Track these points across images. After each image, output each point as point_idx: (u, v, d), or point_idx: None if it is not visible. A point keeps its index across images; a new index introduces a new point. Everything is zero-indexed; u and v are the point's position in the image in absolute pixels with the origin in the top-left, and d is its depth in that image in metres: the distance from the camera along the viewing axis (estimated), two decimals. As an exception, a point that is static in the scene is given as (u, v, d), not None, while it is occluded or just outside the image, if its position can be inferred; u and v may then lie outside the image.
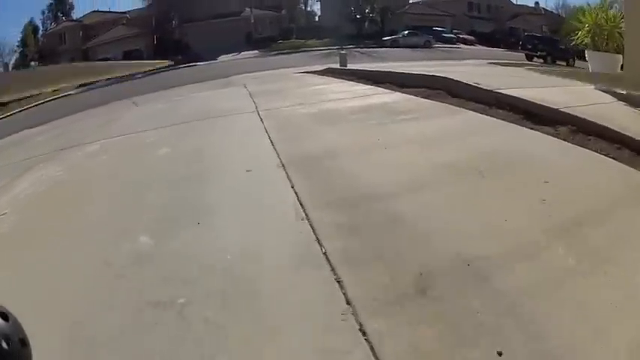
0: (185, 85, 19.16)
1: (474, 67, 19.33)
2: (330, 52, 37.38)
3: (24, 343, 1.22)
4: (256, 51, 43.37)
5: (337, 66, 19.91)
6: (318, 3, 64.94)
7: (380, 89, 10.49)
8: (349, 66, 19.37)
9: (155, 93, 17.59)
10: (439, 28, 51.99)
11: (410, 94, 9.19)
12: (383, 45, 43.27)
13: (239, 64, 32.21)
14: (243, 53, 42.62)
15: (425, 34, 47.11)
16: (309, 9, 64.09)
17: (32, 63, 53.76)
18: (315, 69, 19.14)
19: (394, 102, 8.56)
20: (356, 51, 38.21)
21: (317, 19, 65.59)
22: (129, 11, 52.61)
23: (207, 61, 38.59)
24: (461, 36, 53.25)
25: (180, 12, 49.74)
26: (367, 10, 56.51)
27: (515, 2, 61.11)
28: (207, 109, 9.99)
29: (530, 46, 34.50)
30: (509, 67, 19.42)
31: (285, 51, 41.95)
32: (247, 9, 50.99)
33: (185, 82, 21.38)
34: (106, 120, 11.01)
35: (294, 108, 8.73)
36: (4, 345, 1.14)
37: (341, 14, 54.60)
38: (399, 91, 9.72)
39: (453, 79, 9.28)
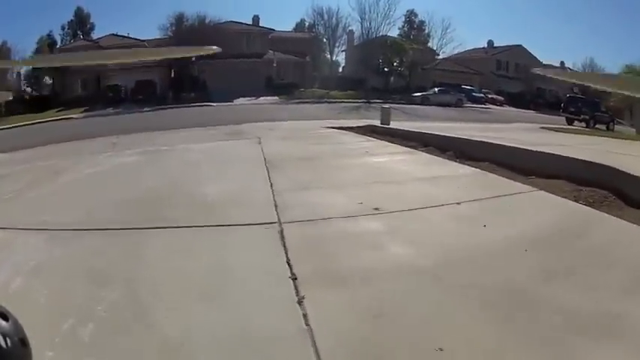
0: (185, 129, 15.85)
1: (535, 134, 16.63)
2: (356, 106, 34.73)
3: (24, 343, 1.31)
4: (276, 97, 40.25)
5: (375, 122, 16.49)
6: (343, 53, 61.88)
7: (468, 168, 7.02)
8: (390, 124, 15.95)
9: (144, 134, 14.35)
10: (468, 87, 49.55)
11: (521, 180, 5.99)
12: (412, 101, 40.20)
13: (256, 110, 29.31)
14: (261, 98, 39.59)
15: (456, 92, 44.76)
16: (334, 58, 61.26)
17: (46, 78, 52.80)
18: (349, 124, 15.65)
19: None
20: (384, 107, 35.09)
21: (341, 69, 63.37)
22: (147, 40, 49.98)
23: (222, 102, 35.76)
24: (490, 96, 50.87)
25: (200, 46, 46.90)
26: (395, 64, 53.55)
27: (542, 62, 58.06)
28: (189, 180, 6.67)
29: (573, 109, 31.28)
30: (579, 135, 17.12)
31: (307, 100, 38.94)
32: (270, 51, 48.25)
33: (190, 123, 18.19)
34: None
35: (360, 222, 4.36)
36: (4, 345, 1.21)
37: (367, 66, 51.57)
38: (495, 172, 6.60)
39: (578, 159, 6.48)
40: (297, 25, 65.28)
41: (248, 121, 18.24)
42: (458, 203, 4.84)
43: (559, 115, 31.93)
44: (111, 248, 3.83)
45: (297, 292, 2.92)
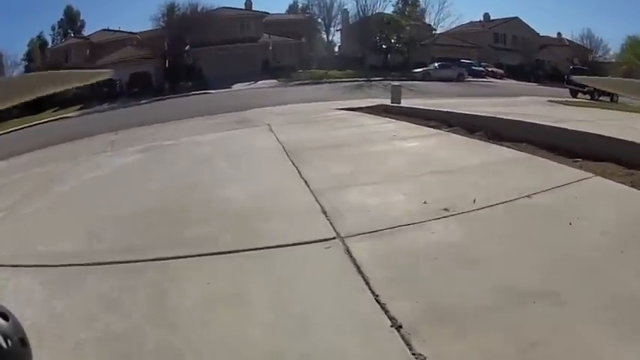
0: (186, 119, 15.05)
1: (546, 108, 16.40)
2: (358, 84, 33.93)
3: (24, 342, 1.31)
4: (274, 80, 39.31)
5: (385, 102, 15.67)
6: (338, 33, 60.76)
7: (510, 151, 6.21)
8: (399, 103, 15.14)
9: (144, 128, 13.59)
10: (467, 61, 48.52)
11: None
12: (413, 78, 39.13)
13: (256, 95, 28.30)
14: (259, 82, 38.60)
15: (457, 67, 43.85)
16: (330, 38, 60.20)
17: None
18: (359, 104, 14.84)
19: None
20: (386, 84, 34.42)
21: (337, 49, 62.23)
22: (139, 32, 48.96)
23: (220, 89, 34.77)
24: (489, 69, 50.05)
25: (193, 35, 45.88)
26: (393, 40, 52.52)
27: (539, 34, 57.34)
28: (205, 182, 5.76)
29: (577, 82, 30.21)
30: (590, 108, 16.48)
31: (306, 81, 37.96)
32: (265, 35, 47.18)
33: (191, 113, 17.37)
34: None
35: (437, 230, 3.55)
36: (4, 344, 1.22)
37: (365, 44, 50.93)
38: (538, 154, 5.94)
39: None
40: (290, 7, 64.34)
41: (251, 107, 17.35)
42: (529, 197, 4.10)
43: (562, 87, 31.32)
44: (125, 296, 2.86)
45: (411, 348, 2.10)
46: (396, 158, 6.24)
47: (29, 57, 51.19)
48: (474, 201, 4.01)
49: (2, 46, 50.69)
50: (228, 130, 10.48)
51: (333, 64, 48.56)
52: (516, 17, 58.63)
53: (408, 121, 9.96)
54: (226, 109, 17.23)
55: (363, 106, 14.34)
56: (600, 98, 26.09)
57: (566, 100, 22.34)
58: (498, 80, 45.63)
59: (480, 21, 61.35)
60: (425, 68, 43.33)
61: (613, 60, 53.57)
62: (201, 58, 44.79)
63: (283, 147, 7.33)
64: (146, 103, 32.42)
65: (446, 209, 3.84)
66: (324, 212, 4.01)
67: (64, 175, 7.23)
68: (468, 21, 61.27)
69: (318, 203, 4.27)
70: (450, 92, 27.00)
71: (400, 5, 57.64)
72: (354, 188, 4.78)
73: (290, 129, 9.73)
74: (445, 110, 10.62)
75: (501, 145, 6.68)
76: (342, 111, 13.40)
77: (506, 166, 5.47)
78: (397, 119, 10.56)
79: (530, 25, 58.65)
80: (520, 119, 8.23)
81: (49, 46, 53.50)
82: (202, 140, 9.21)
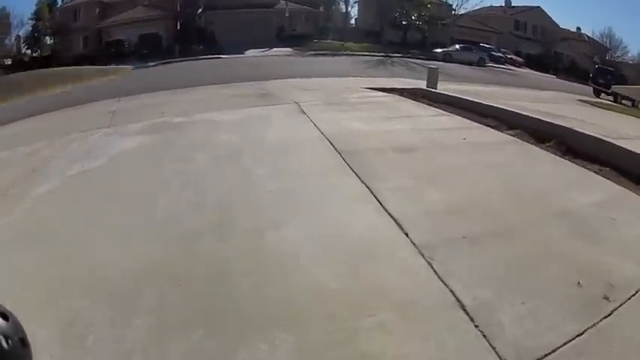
0: (202, 87, 13.57)
1: (584, 110, 15.18)
2: (379, 60, 32.50)
3: (24, 343, 1.27)
4: (289, 49, 37.38)
5: (415, 82, 14.33)
6: (356, 5, 58.66)
7: (605, 181, 5.28)
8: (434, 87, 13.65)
9: (150, 96, 12.10)
10: (487, 45, 46.76)
11: None
12: (433, 57, 37.17)
13: (272, 63, 26.47)
14: (274, 49, 36.72)
15: (479, 51, 42.00)
16: (349, 9, 58.11)
17: (47, 38, 48.69)
18: (390, 84, 13.42)
19: None
20: (407, 61, 33.16)
21: (353, 21, 60.20)
22: (153, -12, 47.11)
23: (232, 54, 33.06)
24: (509, 56, 47.97)
25: (207, -3, 44.08)
26: (413, 17, 50.62)
27: (559, 26, 55.73)
28: (245, 207, 4.26)
29: (602, 81, 29.24)
30: (629, 117, 15.05)
31: (322, 52, 36.15)
32: (282, 1, 45.19)
33: (203, 79, 15.87)
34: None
35: None
36: (4, 345, 1.19)
37: (383, 19, 49.09)
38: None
39: None
40: (308, -26, 61.98)
41: (270, 77, 15.85)
42: None
43: (581, 83, 30.79)
44: None
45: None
46: (493, 184, 4.88)
47: (37, 16, 48.24)
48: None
49: (9, 5, 48.19)
50: (251, 107, 9.00)
51: (349, 36, 46.48)
52: (538, 7, 56.79)
53: (461, 115, 8.84)
54: (242, 77, 15.84)
55: (397, 87, 13.01)
56: (623, 102, 25.26)
57: (595, 101, 21.69)
58: (517, 69, 43.86)
59: (501, 6, 58.97)
60: (446, 49, 41.62)
61: (631, 62, 51.83)
62: (213, 22, 42.95)
63: (331, 143, 5.93)
64: (155, 65, 30.71)
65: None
66: (470, 318, 2.61)
67: (45, 169, 5.82)
68: (488, 5, 59.21)
69: (447, 287, 2.85)
70: (475, 77, 25.52)
71: None
72: (483, 247, 3.40)
73: (326, 113, 8.27)
74: (499, 106, 9.26)
75: (586, 167, 5.74)
76: (377, 92, 11.96)
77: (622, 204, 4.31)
78: (446, 110, 9.33)
79: (551, 17, 56.79)
80: (599, 136, 6.94)
81: (59, 5, 50.59)
82: (222, 120, 7.76)
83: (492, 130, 7.55)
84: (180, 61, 32.07)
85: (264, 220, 3.83)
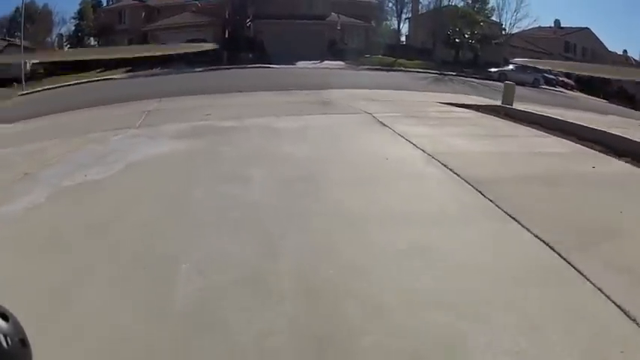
0: (253, 93, 12.26)
1: None
2: (435, 77, 31.67)
3: (24, 343, 1.24)
4: (341, 62, 36.37)
5: (485, 100, 12.87)
6: (407, 21, 57.52)
7: None
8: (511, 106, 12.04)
9: (194, 98, 10.86)
10: (539, 67, 44.23)
11: None
12: (488, 77, 35.96)
13: (327, 75, 25.00)
14: (325, 62, 35.68)
15: (533, 72, 40.03)
16: (401, 25, 56.94)
17: (91, 39, 49.15)
18: (460, 100, 11.98)
19: None
20: (464, 79, 31.87)
21: (403, 38, 59.06)
22: (200, -1, 47.03)
23: (282, 64, 32.20)
24: (560, 78, 45.15)
25: (256, 6, 43.32)
26: (467, 36, 49.34)
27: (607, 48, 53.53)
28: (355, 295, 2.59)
29: None
30: None
31: (376, 67, 34.99)
32: (334, 14, 44.09)
33: (254, 85, 14.64)
34: None
35: None
36: (4, 345, 1.16)
37: (436, 36, 47.53)
38: None
39: None
40: (358, -13, 61.07)
41: (326, 86, 14.44)
42: None
43: (631, 109, 29.56)
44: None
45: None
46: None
47: (80, 16, 48.53)
48: None
49: (51, 2, 48.27)
50: (314, 115, 7.57)
51: (399, 52, 44.96)
52: (587, 28, 54.44)
53: (558, 136, 7.50)
54: (297, 86, 14.51)
55: (470, 103, 11.55)
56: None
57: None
58: (569, 92, 41.64)
59: (550, 27, 56.24)
60: (501, 68, 40.05)
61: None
62: (263, 31, 42.21)
63: (446, 166, 4.42)
64: (202, 71, 30.03)
65: None
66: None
67: (43, 174, 4.38)
68: (536, 25, 57.07)
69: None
70: (534, 98, 23.52)
71: (469, 1, 52.99)
72: None
73: (414, 127, 6.78)
74: (602, 130, 7.81)
75: None
76: (454, 107, 10.53)
77: None
78: (539, 130, 7.95)
79: (600, 38, 54.22)
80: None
81: (103, 6, 50.95)
82: (281, 128, 6.33)
83: (613, 158, 5.95)
84: (229, 69, 31.24)
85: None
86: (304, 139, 5.65)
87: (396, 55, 43.68)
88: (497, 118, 8.97)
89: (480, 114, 9.51)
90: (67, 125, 7.56)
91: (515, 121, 8.68)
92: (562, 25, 55.75)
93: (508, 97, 12.78)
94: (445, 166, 4.42)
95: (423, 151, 5.01)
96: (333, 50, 40.52)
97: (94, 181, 4.14)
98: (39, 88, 23.94)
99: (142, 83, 22.05)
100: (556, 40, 53.71)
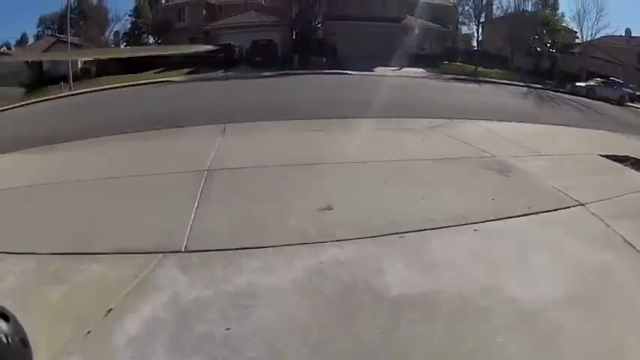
0: (346, 120, 9.78)
1: None
2: (533, 93, 28.53)
3: (24, 343, 1.30)
4: (422, 69, 33.82)
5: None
6: (481, 26, 54.30)
7: None
8: None
9: (270, 135, 8.50)
10: (618, 80, 40.33)
11: None
12: (575, 92, 33.17)
13: (419, 88, 22.38)
14: (404, 69, 33.03)
15: (619, 87, 36.61)
16: (479, 31, 53.89)
17: (148, 37, 48.07)
18: (620, 145, 8.54)
19: None
20: (555, 96, 29.40)
21: (475, 43, 56.06)
22: (265, -3, 45.35)
23: (359, 70, 29.52)
24: (638, 93, 41.16)
25: (326, 6, 41.14)
26: (548, 44, 46.00)
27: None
28: None
29: None
30: None
31: (459, 76, 32.37)
32: (410, 16, 41.35)
33: (344, 106, 12.05)
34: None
35: None
36: (5, 345, 1.19)
37: (514, 43, 44.65)
38: None
39: None
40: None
41: (438, 110, 11.72)
42: None
43: None
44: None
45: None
46: None
47: (137, 13, 47.46)
48: None
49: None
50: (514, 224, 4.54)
51: (475, 59, 42.72)
52: None
53: None
54: (401, 106, 11.93)
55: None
56: None
57: None
58: (644, 108, 38.06)
59: (621, 36, 52.84)
60: (589, 83, 36.77)
61: None
62: (334, 33, 40.22)
63: None
64: (271, 76, 27.69)
65: None
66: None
67: None
68: (606, 34, 53.18)
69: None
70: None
71: (540, 5, 50.96)
72: None
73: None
74: None
75: None
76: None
77: None
78: None
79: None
80: None
81: (162, 3, 50.03)
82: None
83: None
84: (302, 74, 28.88)
85: None
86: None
87: (471, 62, 41.79)
88: None
89: None
90: (67, 192, 4.98)
91: None
92: (633, 35, 52.27)
93: None
94: None
95: None
96: (410, 55, 37.79)
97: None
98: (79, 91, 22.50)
99: (202, 92, 20.08)
100: (628, 50, 50.40)
